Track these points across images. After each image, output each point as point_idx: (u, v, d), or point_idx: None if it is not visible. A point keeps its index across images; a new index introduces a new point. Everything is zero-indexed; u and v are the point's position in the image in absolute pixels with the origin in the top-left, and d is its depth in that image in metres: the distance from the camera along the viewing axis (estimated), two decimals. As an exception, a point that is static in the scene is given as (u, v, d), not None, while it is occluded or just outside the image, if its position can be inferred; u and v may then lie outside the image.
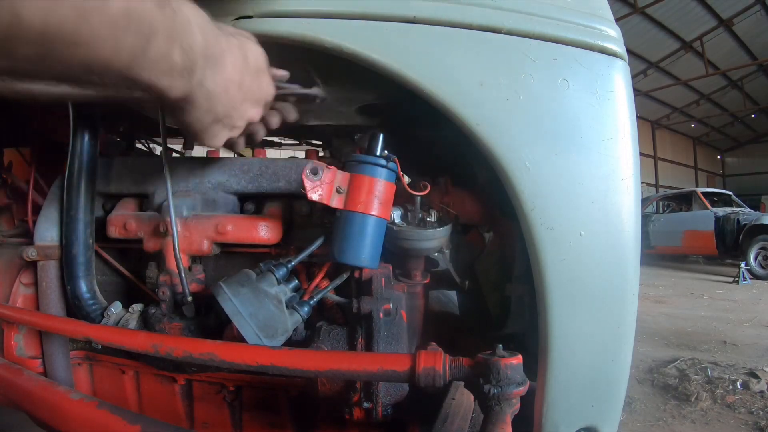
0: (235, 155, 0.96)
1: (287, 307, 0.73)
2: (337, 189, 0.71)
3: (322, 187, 0.70)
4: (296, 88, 0.72)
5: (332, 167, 0.72)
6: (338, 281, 0.79)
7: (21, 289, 0.96)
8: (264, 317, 0.70)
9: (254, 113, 0.62)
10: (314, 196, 0.70)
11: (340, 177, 0.72)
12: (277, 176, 0.85)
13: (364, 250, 0.72)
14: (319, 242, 0.79)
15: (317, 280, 0.81)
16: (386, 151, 0.73)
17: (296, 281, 0.78)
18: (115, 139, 1.16)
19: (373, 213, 0.71)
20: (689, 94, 16.44)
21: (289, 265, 0.76)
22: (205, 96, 0.52)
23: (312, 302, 0.76)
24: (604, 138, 0.63)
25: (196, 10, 0.49)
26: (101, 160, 0.91)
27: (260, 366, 0.64)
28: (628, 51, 0.68)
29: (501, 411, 0.56)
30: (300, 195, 0.83)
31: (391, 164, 0.73)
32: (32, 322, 0.88)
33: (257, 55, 0.59)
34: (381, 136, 0.74)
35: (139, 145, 1.26)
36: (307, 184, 0.69)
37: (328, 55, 0.66)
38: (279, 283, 0.74)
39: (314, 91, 0.75)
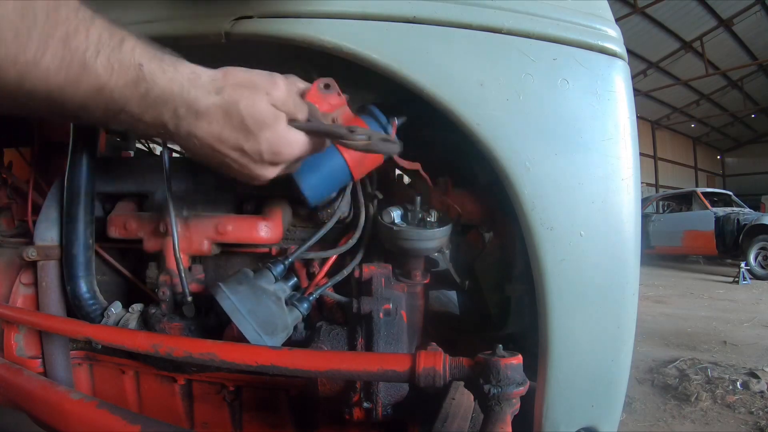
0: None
1: (286, 304, 0.73)
2: (333, 118, 0.67)
3: (324, 103, 0.66)
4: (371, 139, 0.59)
5: (344, 96, 0.68)
6: (338, 278, 0.79)
7: (21, 289, 0.96)
8: (263, 314, 0.70)
9: (264, 171, 0.58)
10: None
11: (342, 111, 0.68)
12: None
13: (313, 178, 0.68)
14: (315, 239, 0.78)
15: (318, 278, 0.82)
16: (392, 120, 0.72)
17: (295, 279, 0.78)
18: (115, 139, 1.16)
19: (346, 157, 0.68)
20: (689, 94, 16.44)
21: (286, 262, 0.76)
22: (192, 140, 0.54)
23: (311, 298, 0.76)
24: (604, 138, 0.63)
25: (186, 72, 0.51)
26: (101, 160, 0.91)
27: (260, 366, 0.64)
28: (628, 51, 0.68)
29: (501, 411, 0.56)
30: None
31: (389, 128, 0.71)
32: (32, 322, 0.88)
33: (248, 112, 0.54)
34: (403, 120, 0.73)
35: (139, 145, 1.26)
36: (316, 94, 0.65)
37: (329, 55, 0.66)
38: (277, 280, 0.74)
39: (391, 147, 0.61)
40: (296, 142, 0.57)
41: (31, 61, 0.39)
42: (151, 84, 0.47)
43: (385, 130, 0.70)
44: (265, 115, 0.54)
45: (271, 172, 0.59)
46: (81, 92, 0.44)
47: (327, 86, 0.66)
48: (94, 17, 0.44)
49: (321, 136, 0.61)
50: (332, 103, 0.67)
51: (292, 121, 0.58)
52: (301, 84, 0.63)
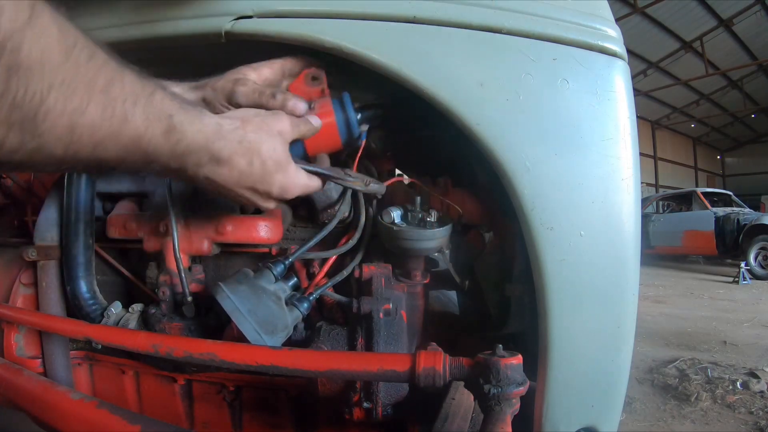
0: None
1: (286, 303, 0.73)
2: (311, 105, 0.70)
3: (305, 93, 0.70)
4: (339, 176, 0.69)
5: (327, 88, 0.71)
6: (338, 278, 0.79)
7: (21, 289, 0.96)
8: (263, 313, 0.70)
9: (268, 204, 0.64)
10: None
11: (322, 101, 0.71)
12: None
13: None
14: (316, 239, 0.78)
15: (318, 278, 0.82)
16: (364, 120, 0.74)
17: (295, 279, 0.78)
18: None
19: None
20: (689, 94, 16.44)
21: (287, 262, 0.76)
22: (209, 182, 0.57)
23: (312, 298, 0.76)
24: (604, 138, 0.63)
25: (211, 123, 0.54)
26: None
27: (260, 366, 0.64)
28: (628, 51, 0.68)
29: (501, 411, 0.56)
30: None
31: (361, 129, 0.73)
32: (32, 322, 0.88)
33: (269, 155, 0.59)
34: (374, 112, 0.76)
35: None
36: (300, 86, 0.69)
37: (328, 54, 0.66)
38: (277, 279, 0.74)
39: (357, 185, 0.71)
40: (301, 183, 0.64)
41: (77, 109, 0.39)
42: (181, 135, 0.49)
43: (349, 122, 0.71)
44: (282, 157, 0.60)
45: (272, 206, 0.66)
46: (121, 145, 0.44)
47: (314, 79, 0.70)
48: (124, 66, 0.44)
49: (321, 177, 0.68)
50: (313, 95, 0.70)
51: (299, 161, 0.65)
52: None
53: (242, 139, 0.57)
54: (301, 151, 0.70)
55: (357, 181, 0.70)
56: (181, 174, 0.54)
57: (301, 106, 0.67)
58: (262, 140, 0.58)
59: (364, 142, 0.73)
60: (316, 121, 0.67)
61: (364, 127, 0.73)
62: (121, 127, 0.43)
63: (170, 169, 0.53)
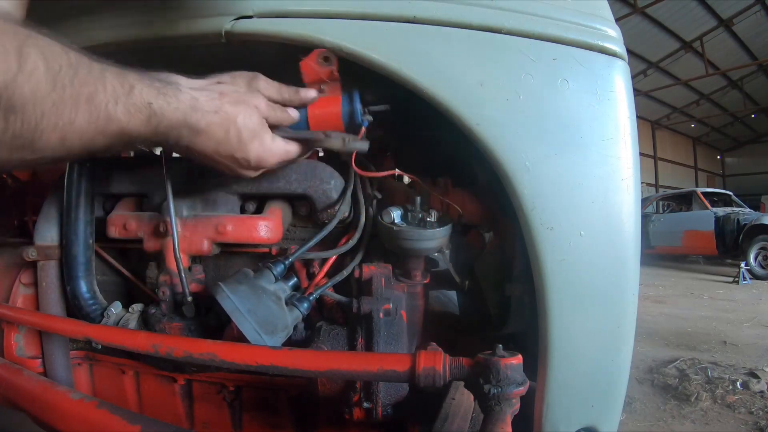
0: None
1: (286, 303, 0.73)
2: (321, 87, 0.72)
3: (314, 73, 0.70)
4: (314, 136, 0.70)
5: (337, 78, 0.71)
6: (338, 278, 0.79)
7: (21, 289, 0.96)
8: (263, 313, 0.70)
9: (248, 173, 0.69)
10: (306, 77, 0.71)
11: (332, 85, 0.72)
12: (277, 176, 0.85)
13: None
14: (316, 239, 0.78)
15: (318, 278, 0.82)
16: (368, 113, 0.74)
17: (295, 279, 0.78)
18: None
19: (311, 119, 0.73)
20: (689, 94, 16.44)
21: (287, 262, 0.76)
22: (190, 151, 0.63)
23: (312, 298, 0.76)
24: (604, 138, 0.63)
25: (186, 99, 0.57)
26: (101, 160, 0.91)
27: (260, 366, 0.64)
28: (628, 51, 0.68)
29: (501, 411, 0.56)
30: (300, 195, 0.83)
31: (364, 119, 0.73)
32: (32, 322, 0.88)
33: (244, 125, 0.62)
34: (384, 109, 0.76)
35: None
36: (311, 64, 0.69)
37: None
38: (277, 279, 0.74)
39: (335, 141, 0.70)
40: (278, 151, 0.67)
41: (67, 122, 0.45)
42: (160, 117, 0.54)
43: (353, 114, 0.73)
44: (257, 126, 0.64)
45: (254, 174, 0.69)
46: (107, 137, 0.50)
47: (326, 59, 0.69)
48: (104, 70, 0.49)
49: (300, 142, 0.69)
50: (323, 75, 0.71)
51: (276, 129, 0.67)
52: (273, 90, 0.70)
53: (218, 109, 0.60)
54: (304, 129, 0.73)
55: (336, 141, 0.71)
56: (164, 145, 0.60)
57: (311, 94, 0.72)
58: (239, 111, 0.62)
59: (364, 129, 0.73)
60: (294, 112, 0.70)
61: (369, 117, 0.74)
62: (106, 125, 0.49)
63: (153, 143, 0.59)
